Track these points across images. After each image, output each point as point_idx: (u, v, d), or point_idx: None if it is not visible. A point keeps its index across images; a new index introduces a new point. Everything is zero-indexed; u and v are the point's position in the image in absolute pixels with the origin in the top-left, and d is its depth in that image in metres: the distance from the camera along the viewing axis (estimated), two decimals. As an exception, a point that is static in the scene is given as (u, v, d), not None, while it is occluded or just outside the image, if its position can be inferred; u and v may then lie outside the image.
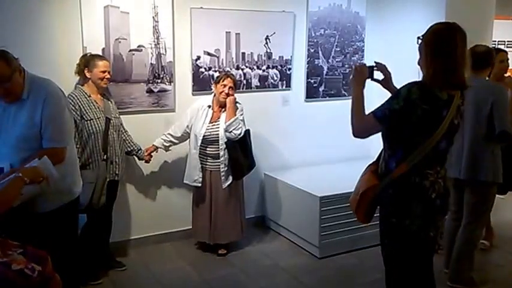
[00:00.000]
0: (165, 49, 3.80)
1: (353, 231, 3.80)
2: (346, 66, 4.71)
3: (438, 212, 2.18)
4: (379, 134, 2.20)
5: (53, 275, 2.19)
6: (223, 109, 3.63)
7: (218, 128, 3.60)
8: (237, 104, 3.65)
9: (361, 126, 2.15)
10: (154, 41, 3.76)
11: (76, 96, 3.21)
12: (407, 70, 4.47)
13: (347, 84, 4.73)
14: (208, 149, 3.63)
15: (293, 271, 3.57)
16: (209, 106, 3.67)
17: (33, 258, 2.13)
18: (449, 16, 4.07)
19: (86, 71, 3.26)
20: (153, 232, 3.97)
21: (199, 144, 3.62)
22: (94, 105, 3.25)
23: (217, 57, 4.05)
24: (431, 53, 2.06)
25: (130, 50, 3.68)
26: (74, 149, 2.63)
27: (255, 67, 4.23)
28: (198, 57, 3.97)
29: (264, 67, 4.28)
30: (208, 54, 4.01)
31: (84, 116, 3.18)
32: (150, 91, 3.80)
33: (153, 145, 3.70)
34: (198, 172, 3.65)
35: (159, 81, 3.84)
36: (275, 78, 4.36)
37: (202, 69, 3.99)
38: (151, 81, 3.80)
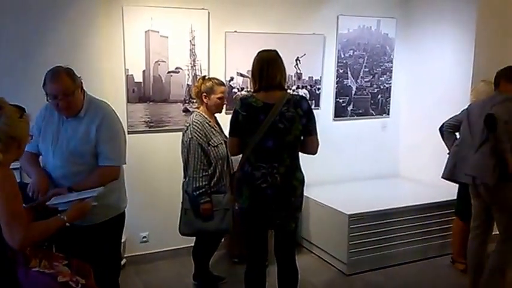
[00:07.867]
0: (201, 71, 3.99)
1: (381, 249, 3.87)
2: (375, 86, 4.81)
3: (270, 200, 2.67)
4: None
5: None
6: None
7: None
8: None
9: (230, 147, 2.79)
10: (190, 63, 3.96)
11: (200, 122, 3.20)
12: (436, 88, 4.58)
13: (375, 103, 4.84)
14: None
15: (322, 287, 3.65)
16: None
17: (77, 271, 2.17)
18: (479, 36, 4.14)
19: (203, 97, 3.25)
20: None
21: None
22: (215, 130, 3.27)
23: (249, 78, 4.21)
24: (252, 75, 2.78)
25: (169, 72, 3.89)
26: (122, 167, 2.71)
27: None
28: (232, 78, 4.15)
29: (294, 87, 4.42)
30: (241, 75, 4.18)
31: (210, 142, 3.19)
32: (186, 110, 4.00)
33: None
34: None
35: (194, 101, 4.02)
36: (305, 97, 4.48)
37: (235, 90, 4.17)
38: (187, 101, 4.00)
